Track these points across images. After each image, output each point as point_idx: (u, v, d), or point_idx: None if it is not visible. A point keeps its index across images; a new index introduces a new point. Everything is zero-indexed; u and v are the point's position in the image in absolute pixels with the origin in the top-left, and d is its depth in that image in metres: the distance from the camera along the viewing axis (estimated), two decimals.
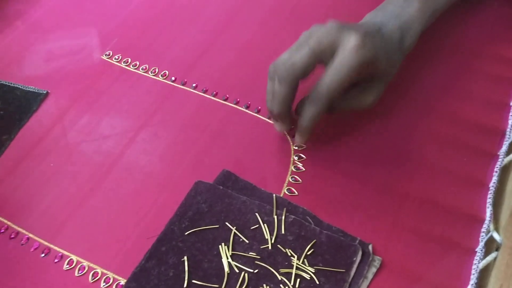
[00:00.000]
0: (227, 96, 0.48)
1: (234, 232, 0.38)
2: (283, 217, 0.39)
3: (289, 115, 0.41)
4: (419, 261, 0.37)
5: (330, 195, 0.41)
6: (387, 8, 0.44)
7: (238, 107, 0.47)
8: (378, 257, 0.38)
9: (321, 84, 0.37)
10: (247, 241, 0.38)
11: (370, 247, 0.38)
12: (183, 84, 0.49)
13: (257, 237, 0.38)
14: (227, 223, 0.39)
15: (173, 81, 0.49)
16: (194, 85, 0.49)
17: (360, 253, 0.37)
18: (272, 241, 0.38)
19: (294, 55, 0.38)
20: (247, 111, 0.47)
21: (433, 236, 0.39)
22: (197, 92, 0.48)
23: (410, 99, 0.47)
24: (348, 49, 0.36)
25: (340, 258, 0.37)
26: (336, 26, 0.37)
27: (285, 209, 0.40)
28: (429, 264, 0.37)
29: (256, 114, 0.46)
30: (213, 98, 0.48)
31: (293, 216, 0.39)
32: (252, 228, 0.39)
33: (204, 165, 0.43)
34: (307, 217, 0.39)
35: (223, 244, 0.38)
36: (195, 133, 0.45)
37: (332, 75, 0.37)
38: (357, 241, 0.38)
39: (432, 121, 0.46)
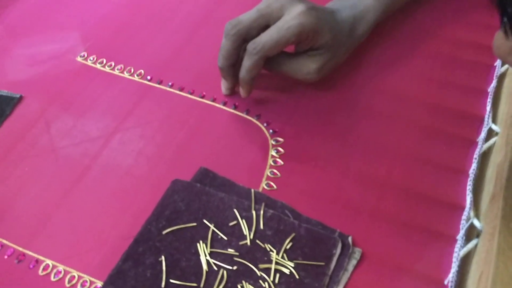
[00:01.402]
0: (204, 93, 0.48)
1: (212, 229, 0.38)
2: (262, 212, 0.39)
3: (231, 71, 0.43)
4: (400, 251, 0.37)
5: (309, 188, 0.41)
6: None
7: (215, 104, 0.47)
8: (358, 248, 0.37)
9: (258, 38, 0.40)
10: (225, 238, 0.38)
11: (350, 239, 0.37)
12: (159, 83, 0.49)
13: (236, 234, 0.38)
14: (205, 221, 0.39)
15: (149, 81, 0.49)
16: (170, 83, 0.49)
17: (339, 245, 0.37)
18: (251, 237, 0.38)
19: (243, 14, 0.41)
20: (224, 108, 0.47)
21: (413, 226, 0.39)
22: (173, 91, 0.48)
23: (388, 89, 0.47)
24: (292, 14, 0.39)
25: (319, 251, 0.37)
26: None
27: (263, 204, 0.39)
28: (410, 254, 0.37)
29: (233, 111, 0.46)
30: (189, 96, 0.48)
31: (271, 211, 0.39)
32: (230, 224, 0.38)
33: (182, 164, 0.43)
34: (286, 211, 0.39)
35: (201, 242, 0.37)
36: (172, 131, 0.45)
37: (271, 32, 0.39)
38: (337, 233, 0.38)
39: (410, 110, 0.45)
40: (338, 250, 0.37)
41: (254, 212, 0.39)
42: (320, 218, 0.39)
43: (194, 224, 0.38)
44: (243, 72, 0.41)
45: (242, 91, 0.44)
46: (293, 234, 0.38)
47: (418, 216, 0.39)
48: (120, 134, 0.45)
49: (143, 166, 0.43)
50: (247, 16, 0.41)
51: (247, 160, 0.42)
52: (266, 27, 0.41)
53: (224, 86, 0.46)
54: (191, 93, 0.48)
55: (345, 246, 0.37)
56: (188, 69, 0.49)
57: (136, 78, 0.49)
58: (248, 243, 0.37)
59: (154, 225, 0.38)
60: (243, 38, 0.41)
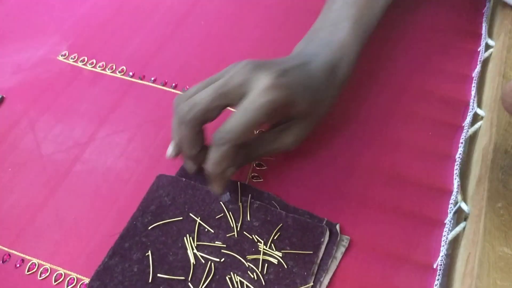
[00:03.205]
0: (187, 87, 0.48)
1: (199, 222, 0.38)
2: (248, 204, 0.39)
3: (196, 155, 0.38)
4: (388, 237, 0.38)
5: (296, 178, 0.41)
6: (318, 35, 0.41)
7: None
8: (346, 236, 0.38)
9: (224, 125, 0.34)
10: (212, 231, 0.38)
11: (337, 227, 0.38)
12: (141, 79, 0.49)
13: (223, 226, 0.38)
14: (191, 214, 0.39)
15: (131, 77, 0.49)
16: (152, 78, 0.49)
17: (327, 233, 0.37)
18: (238, 229, 0.38)
19: (198, 94, 0.35)
20: None
21: (401, 211, 0.39)
22: (156, 86, 0.48)
23: (372, 77, 0.47)
24: (258, 91, 0.33)
25: (307, 240, 0.37)
26: (250, 65, 0.34)
27: (250, 196, 0.40)
28: (398, 239, 0.38)
29: None
30: (172, 90, 0.48)
31: (258, 202, 0.39)
32: (217, 217, 0.39)
33: (165, 161, 0.42)
34: (273, 202, 0.40)
35: (187, 235, 0.38)
36: (156, 127, 0.45)
37: (237, 117, 0.34)
38: (324, 222, 0.38)
39: (395, 96, 0.46)
40: (326, 238, 0.37)
41: (240, 204, 0.39)
42: (308, 208, 0.39)
43: (180, 218, 0.39)
44: (211, 166, 0.35)
45: (212, 187, 0.37)
46: (280, 224, 0.38)
47: (406, 202, 0.39)
48: (103, 131, 0.45)
49: (127, 162, 0.43)
50: (203, 97, 0.35)
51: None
52: (226, 105, 0.35)
53: (188, 166, 0.40)
54: (174, 87, 0.48)
55: (333, 234, 0.37)
56: (170, 63, 0.50)
57: (118, 74, 0.49)
58: (235, 235, 0.38)
59: (139, 220, 0.39)
60: (203, 121, 0.36)
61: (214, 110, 0.35)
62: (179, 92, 0.48)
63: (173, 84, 0.48)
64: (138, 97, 0.47)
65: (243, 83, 0.34)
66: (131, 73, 0.49)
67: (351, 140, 0.43)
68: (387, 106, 0.45)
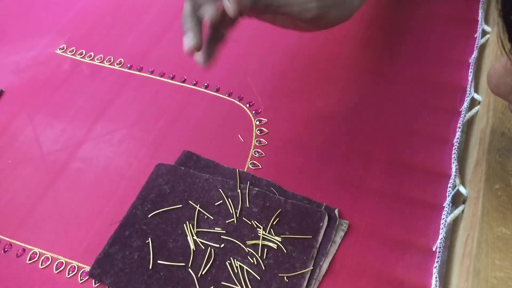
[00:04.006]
0: (185, 78, 0.48)
1: (198, 209, 0.39)
2: (247, 191, 0.39)
3: (194, 29, 0.32)
4: (387, 221, 0.38)
5: (294, 165, 0.41)
6: None
7: (196, 87, 0.48)
8: (345, 220, 0.38)
9: None
10: (211, 218, 0.38)
11: (336, 211, 0.38)
12: (139, 70, 0.49)
13: (222, 213, 0.39)
14: (190, 202, 0.39)
15: (129, 68, 0.50)
16: (150, 70, 0.49)
17: (326, 218, 0.38)
18: (237, 215, 0.38)
19: None
20: (206, 91, 0.47)
21: (399, 196, 0.39)
22: (154, 77, 0.49)
23: (368, 65, 0.48)
24: None
25: (306, 225, 0.37)
26: None
27: (249, 183, 0.40)
28: (397, 224, 0.38)
29: (215, 93, 0.47)
30: (170, 81, 0.48)
31: (257, 189, 0.39)
32: (216, 204, 0.39)
33: (165, 148, 0.43)
34: (272, 188, 0.40)
35: (187, 222, 0.38)
36: (154, 117, 0.46)
37: None
38: (323, 207, 0.38)
39: (392, 83, 0.46)
40: (325, 223, 0.37)
41: (239, 191, 0.39)
42: (306, 194, 0.39)
43: (180, 206, 0.39)
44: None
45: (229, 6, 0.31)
46: (279, 210, 0.38)
47: (404, 186, 0.40)
48: (102, 123, 0.46)
49: (126, 152, 0.43)
50: None
51: (231, 141, 0.43)
52: None
53: (190, 41, 0.33)
54: (172, 78, 0.48)
55: (331, 219, 0.38)
56: (167, 55, 0.50)
57: (116, 67, 0.50)
58: (235, 221, 0.38)
59: (139, 208, 0.39)
60: None
61: None
62: (177, 83, 0.48)
63: (171, 75, 0.49)
64: (136, 89, 0.48)
65: None
66: (129, 65, 0.50)
67: (349, 127, 0.43)
68: (384, 93, 0.45)
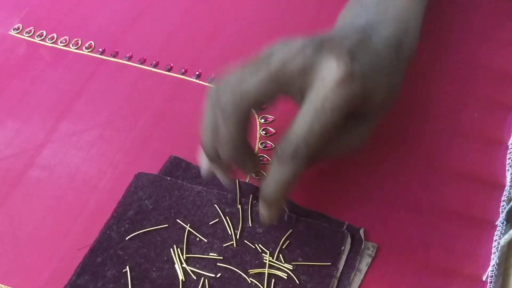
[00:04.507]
0: (171, 65, 0.49)
1: (188, 230, 0.39)
2: (250, 206, 0.40)
3: (246, 158, 0.37)
4: (425, 244, 0.38)
5: (308, 174, 0.40)
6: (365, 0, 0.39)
7: (186, 77, 0.48)
8: (372, 243, 0.38)
9: (294, 133, 0.33)
10: (205, 240, 0.38)
11: (361, 232, 0.38)
12: (114, 56, 0.50)
13: (218, 234, 0.39)
14: (178, 221, 0.39)
15: (101, 53, 0.50)
16: (128, 55, 0.50)
17: (349, 240, 0.38)
18: (237, 237, 0.38)
19: (247, 78, 0.34)
20: (197, 81, 0.48)
21: (441, 211, 0.39)
22: (133, 64, 0.49)
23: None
24: (330, 83, 0.32)
25: (324, 249, 0.37)
26: (310, 44, 0.33)
27: (251, 196, 0.40)
28: (438, 247, 0.38)
29: (210, 85, 0.47)
30: (153, 69, 0.49)
31: None
32: (211, 223, 0.39)
33: (147, 153, 0.44)
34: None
35: (175, 246, 0.38)
36: (133, 114, 0.46)
37: (311, 120, 0.32)
38: (345, 226, 0.38)
39: (429, 70, 0.46)
40: (347, 247, 0.37)
41: (240, 207, 0.40)
42: (324, 210, 0.39)
43: (165, 225, 0.39)
44: (273, 188, 0.34)
45: (265, 215, 0.36)
46: (290, 230, 0.38)
47: (447, 200, 0.40)
48: (68, 121, 0.46)
49: (98, 158, 0.44)
50: (254, 83, 0.33)
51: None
52: (279, 96, 0.35)
53: (225, 180, 0.39)
54: (155, 66, 0.49)
55: (355, 241, 0.38)
56: (149, 38, 0.50)
57: (85, 51, 0.50)
58: (234, 245, 0.38)
59: (114, 229, 0.39)
60: (249, 115, 0.35)
61: (267, 99, 0.35)
62: (161, 71, 0.48)
63: (154, 62, 0.49)
64: (111, 79, 0.48)
65: (306, 69, 0.33)
66: (100, 50, 0.50)
67: (377, 128, 0.43)
68: (420, 84, 0.45)
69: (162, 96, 0.47)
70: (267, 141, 0.43)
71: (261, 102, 0.35)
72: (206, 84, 0.47)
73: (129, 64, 0.49)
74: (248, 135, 0.36)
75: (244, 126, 0.35)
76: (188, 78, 0.48)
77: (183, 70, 0.48)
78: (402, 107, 0.44)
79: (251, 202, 0.40)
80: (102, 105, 0.47)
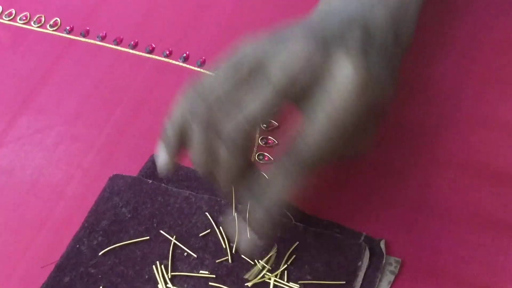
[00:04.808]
0: (153, 46, 0.48)
1: (174, 243, 0.38)
2: (248, 214, 0.38)
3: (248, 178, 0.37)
4: (461, 258, 0.38)
5: (318, 176, 0.39)
6: None
7: (170, 60, 0.48)
8: (395, 258, 0.38)
9: (304, 141, 0.33)
10: (194, 255, 0.38)
11: (382, 244, 0.38)
12: (84, 35, 0.50)
13: (210, 248, 0.38)
14: (162, 232, 0.39)
15: (68, 33, 0.50)
16: (101, 35, 0.49)
17: (367, 254, 0.37)
18: (233, 251, 0.38)
19: (246, 100, 0.33)
20: (184, 65, 0.48)
21: (476, 218, 0.39)
22: (107, 45, 0.49)
23: (433, 34, 0.47)
24: (349, 90, 0.33)
25: (337, 265, 0.37)
26: (315, 45, 0.34)
27: (249, 202, 0.38)
28: (476, 261, 0.37)
29: (198, 69, 0.47)
30: (131, 51, 0.49)
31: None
32: (201, 235, 0.39)
33: (124, 152, 0.43)
34: (284, 210, 0.38)
35: (158, 263, 0.38)
36: (107, 104, 0.46)
37: (325, 130, 0.33)
38: (362, 238, 0.38)
39: (463, 46, 0.46)
40: (365, 262, 0.37)
41: (235, 215, 0.39)
42: (337, 218, 0.39)
43: (147, 238, 0.39)
44: (277, 202, 0.34)
45: (261, 236, 0.36)
46: (296, 243, 0.38)
47: (487, 205, 0.39)
48: (29, 115, 0.46)
49: (65, 158, 0.43)
50: (259, 107, 0.33)
51: None
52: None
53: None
54: (133, 47, 0.49)
55: (375, 255, 0.37)
56: (126, 12, 0.50)
57: (49, 30, 0.50)
58: (229, 260, 0.38)
59: (85, 243, 0.39)
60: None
61: (272, 118, 0.36)
62: (141, 53, 0.48)
63: (132, 42, 0.49)
64: (80, 63, 0.48)
65: (316, 76, 0.33)
66: (68, 28, 0.50)
67: (400, 117, 0.43)
68: (451, 63, 0.45)
69: (142, 83, 0.47)
70: (268, 136, 0.43)
71: (267, 121, 0.36)
72: (195, 68, 0.47)
73: (102, 45, 0.49)
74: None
75: (249, 149, 0.36)
76: (173, 62, 0.48)
77: (167, 52, 0.48)
78: (433, 96, 0.44)
79: (250, 209, 0.38)
80: (70, 95, 0.46)
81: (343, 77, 0.33)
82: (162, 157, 0.37)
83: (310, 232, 0.38)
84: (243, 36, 0.36)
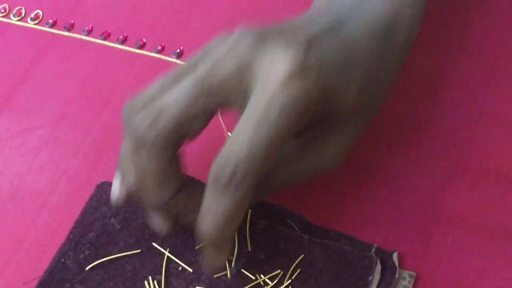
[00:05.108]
0: (144, 40, 0.49)
1: (168, 256, 0.38)
2: (248, 224, 0.38)
3: (170, 201, 0.36)
4: (480, 271, 0.37)
5: (323, 181, 0.40)
6: None
7: (162, 56, 0.48)
8: (409, 272, 0.37)
9: (229, 150, 0.32)
10: (190, 270, 0.38)
11: (395, 257, 0.37)
12: (69, 29, 0.49)
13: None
14: (155, 245, 0.39)
15: (51, 26, 0.50)
16: (87, 28, 0.49)
17: (378, 268, 0.37)
18: (233, 265, 0.37)
19: (167, 95, 0.33)
20: (178, 61, 0.47)
21: (498, 229, 0.39)
22: (93, 40, 0.49)
23: (446, 37, 0.48)
24: (275, 82, 0.32)
25: (346, 280, 0.37)
26: (249, 37, 0.33)
27: (250, 211, 0.39)
28: (496, 274, 0.37)
29: None
30: (120, 46, 0.48)
31: (264, 221, 0.39)
32: (197, 247, 0.38)
33: (113, 156, 0.41)
34: (288, 221, 0.39)
35: (150, 278, 0.38)
36: (94, 105, 0.45)
37: (250, 133, 0.31)
38: (373, 250, 0.38)
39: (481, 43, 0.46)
40: (376, 276, 0.37)
41: None
42: (344, 228, 0.39)
43: (138, 250, 0.39)
44: (214, 225, 0.32)
45: (208, 259, 0.36)
46: (301, 256, 0.38)
47: (506, 214, 0.39)
48: (6, 116, 0.46)
49: (48, 164, 0.43)
50: (175, 98, 0.33)
51: (218, 141, 0.41)
52: (216, 108, 0.34)
53: (157, 223, 0.37)
54: (122, 42, 0.49)
55: (387, 269, 0.37)
56: (114, 4, 0.51)
57: (30, 23, 0.50)
58: (228, 275, 0.37)
59: (71, 257, 0.38)
60: (178, 140, 0.34)
61: (196, 120, 0.34)
62: (131, 49, 0.48)
63: (121, 37, 0.49)
64: (64, 59, 0.48)
65: (243, 69, 0.33)
66: (51, 21, 0.50)
67: (415, 118, 0.44)
68: (469, 63, 0.46)
69: (133, 82, 0.46)
70: None
71: (187, 122, 0.33)
72: None
73: (88, 40, 0.49)
74: (177, 170, 0.35)
75: (166, 157, 0.34)
76: (166, 58, 0.48)
77: (160, 47, 0.48)
78: (451, 96, 0.44)
79: (250, 218, 0.39)
80: (54, 94, 0.46)
81: (272, 68, 0.32)
82: (115, 187, 0.37)
83: (316, 244, 0.38)
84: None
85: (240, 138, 0.31)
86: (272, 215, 0.39)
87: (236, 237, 0.38)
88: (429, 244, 0.38)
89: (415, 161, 0.42)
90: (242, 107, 0.33)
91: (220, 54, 0.33)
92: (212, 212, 0.32)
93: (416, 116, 0.44)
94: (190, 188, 0.35)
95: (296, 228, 0.39)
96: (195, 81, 0.33)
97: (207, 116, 0.34)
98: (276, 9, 0.50)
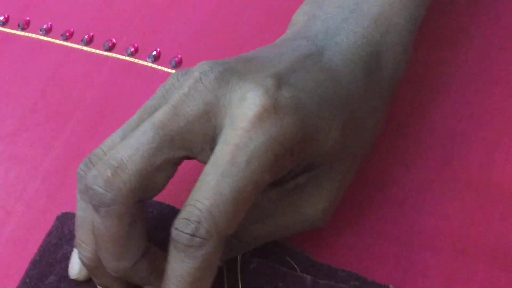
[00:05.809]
0: (113, 41, 0.48)
1: None
2: (239, 263, 0.37)
3: (132, 268, 0.34)
4: None
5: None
6: None
7: (136, 60, 0.47)
8: None
9: (192, 204, 0.30)
10: None
11: None
12: (24, 28, 0.49)
13: None
14: None
15: (3, 24, 0.49)
16: (45, 27, 0.49)
17: None
18: None
19: (124, 142, 0.32)
20: (154, 65, 0.47)
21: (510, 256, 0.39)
22: (53, 40, 0.48)
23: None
24: (243, 122, 0.31)
25: None
26: (214, 71, 0.33)
27: None
28: None
29: (172, 71, 0.46)
30: (85, 48, 0.48)
31: (257, 260, 0.37)
32: None
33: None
34: (287, 258, 0.38)
35: None
36: (55, 116, 0.44)
37: (216, 183, 0.30)
38: None
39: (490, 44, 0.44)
40: None
41: (224, 265, 0.37)
42: (353, 266, 0.38)
43: None
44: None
45: None
46: None
47: None
48: None
49: (0, 189, 0.42)
50: (134, 146, 0.32)
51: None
52: (181, 158, 0.33)
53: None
54: (88, 43, 0.48)
55: None
56: (78, 2, 0.50)
57: None
58: None
59: None
60: (139, 197, 0.32)
61: (160, 172, 0.32)
62: (98, 51, 0.47)
63: (86, 37, 0.48)
64: (19, 62, 0.47)
65: (208, 110, 0.32)
66: (2, 19, 0.49)
67: (428, 132, 0.43)
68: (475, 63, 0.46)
69: (101, 90, 0.46)
70: None
71: (149, 174, 0.32)
72: (168, 70, 0.46)
73: (47, 41, 0.48)
74: (140, 233, 0.33)
75: (126, 219, 0.32)
76: (139, 61, 0.47)
77: (132, 49, 0.47)
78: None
79: (241, 256, 0.36)
80: (8, 105, 0.46)
81: (240, 108, 0.31)
82: (74, 259, 0.36)
83: (321, 286, 0.36)
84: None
85: (203, 190, 0.30)
86: (268, 252, 0.38)
87: (225, 277, 0.36)
88: (455, 282, 0.37)
89: (426, 187, 0.40)
90: (210, 156, 0.32)
91: (180, 95, 0.32)
92: (174, 277, 0.31)
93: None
94: (157, 250, 0.34)
95: (297, 267, 0.37)
96: (156, 129, 0.31)
97: (172, 166, 0.32)
98: (249, 8, 0.50)
